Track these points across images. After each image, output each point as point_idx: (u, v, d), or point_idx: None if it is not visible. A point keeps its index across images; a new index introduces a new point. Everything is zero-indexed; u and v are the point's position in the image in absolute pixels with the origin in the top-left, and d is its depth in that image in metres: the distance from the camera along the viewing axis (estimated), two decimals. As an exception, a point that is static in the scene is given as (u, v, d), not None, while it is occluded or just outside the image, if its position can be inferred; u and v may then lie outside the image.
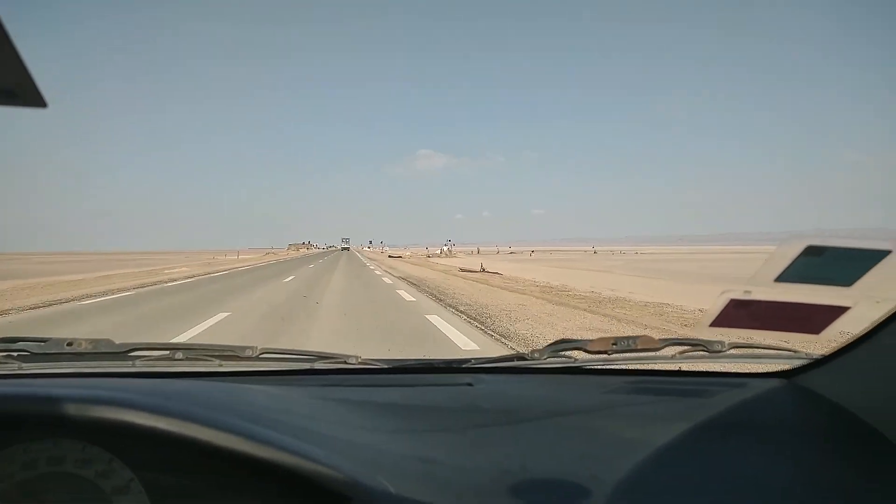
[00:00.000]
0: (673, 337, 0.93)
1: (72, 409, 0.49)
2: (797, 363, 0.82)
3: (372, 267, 21.61)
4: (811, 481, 0.61)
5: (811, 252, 0.59)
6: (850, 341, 0.72)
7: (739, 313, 0.68)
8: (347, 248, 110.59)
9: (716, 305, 0.68)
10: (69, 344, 0.86)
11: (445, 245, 61.37)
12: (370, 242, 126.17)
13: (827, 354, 0.77)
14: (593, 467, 0.61)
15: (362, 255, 50.88)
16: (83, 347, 0.86)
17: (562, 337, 3.08)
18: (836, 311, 0.66)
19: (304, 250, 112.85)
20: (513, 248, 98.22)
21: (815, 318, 0.68)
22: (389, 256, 38.38)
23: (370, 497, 0.50)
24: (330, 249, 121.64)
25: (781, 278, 0.62)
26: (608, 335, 0.92)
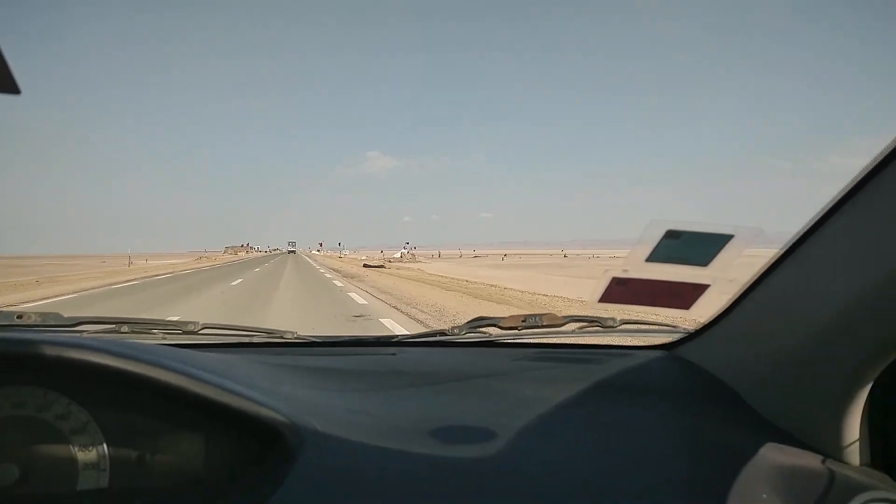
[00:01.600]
0: (574, 314, 1.05)
1: (46, 352, 0.54)
2: (676, 337, 0.95)
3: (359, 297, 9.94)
4: (675, 431, 0.73)
5: (671, 235, 0.70)
6: (713, 317, 0.84)
7: (620, 289, 0.79)
8: (294, 252, 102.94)
9: (601, 283, 0.79)
10: (19, 317, 0.91)
11: (405, 248, 54.80)
12: (320, 245, 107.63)
13: (697, 329, 0.89)
14: (500, 417, 0.70)
15: (314, 260, 42.30)
16: (32, 320, 0.91)
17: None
18: (700, 288, 0.78)
19: (242, 254, 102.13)
20: (477, 252, 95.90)
21: (683, 294, 0.79)
22: (365, 266, 24.61)
23: (301, 434, 0.58)
24: (273, 252, 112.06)
25: (650, 258, 0.73)
26: (520, 314, 1.02)
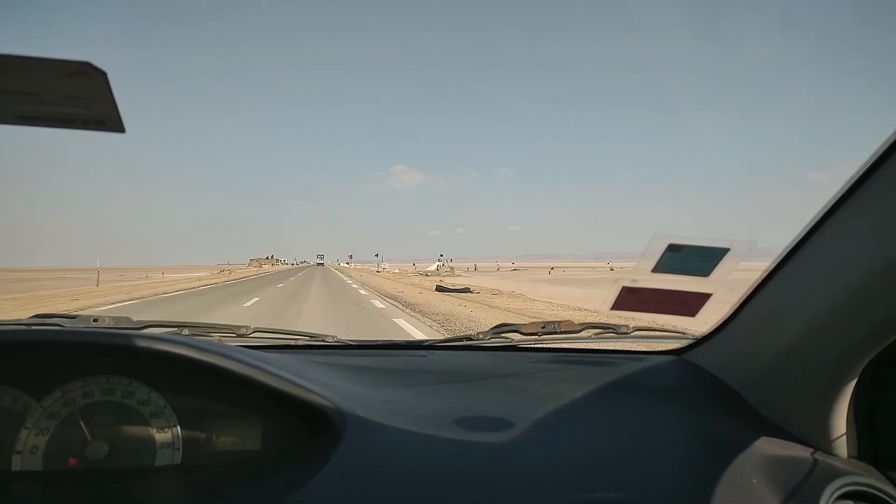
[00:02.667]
0: (590, 322, 1.13)
1: (139, 344, 0.65)
2: (685, 343, 1.02)
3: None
4: (677, 426, 0.80)
5: (673, 248, 0.78)
6: (718, 325, 0.91)
7: (630, 298, 0.86)
8: (322, 264, 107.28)
9: (612, 292, 0.87)
10: (95, 320, 1.03)
11: (440, 261, 46.21)
12: (350, 258, 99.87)
13: (704, 335, 0.96)
14: (519, 410, 0.79)
15: (346, 275, 31.88)
16: (106, 323, 1.03)
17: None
18: (704, 297, 0.86)
19: (267, 266, 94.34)
20: (516, 265, 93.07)
21: (689, 303, 0.87)
22: (439, 289, 15.43)
23: (346, 418, 0.68)
24: (301, 265, 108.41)
25: (655, 269, 0.81)
26: (540, 320, 1.11)
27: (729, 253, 0.77)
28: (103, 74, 0.46)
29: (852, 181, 0.64)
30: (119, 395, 0.71)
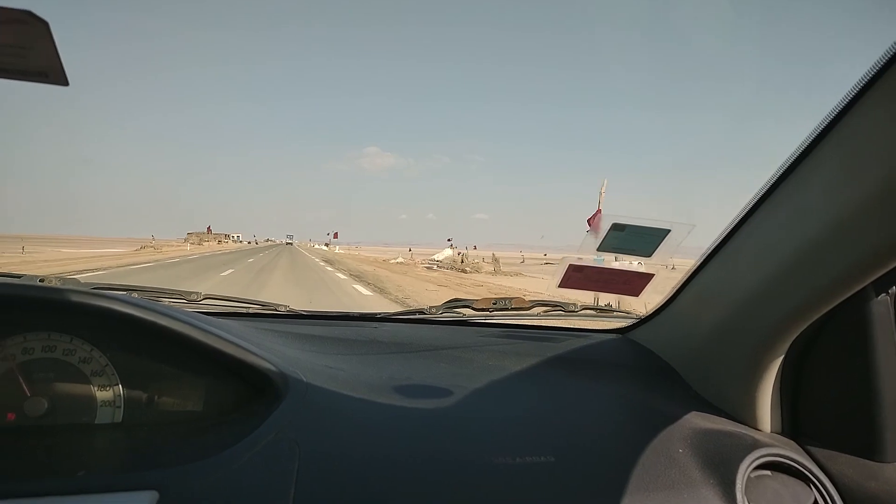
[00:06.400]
0: (539, 299, 1.16)
1: (75, 299, 0.64)
2: (629, 322, 1.06)
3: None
4: (613, 399, 0.83)
5: (617, 228, 0.80)
6: (660, 305, 0.95)
7: (577, 276, 0.89)
8: (291, 244, 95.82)
9: (559, 270, 0.89)
10: (41, 280, 1.02)
11: (449, 245, 33.58)
12: (335, 236, 64.42)
13: (647, 315, 1.00)
14: (458, 379, 0.81)
15: (333, 266, 19.86)
16: (53, 284, 1.02)
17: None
18: (646, 277, 0.89)
19: (211, 244, 66.45)
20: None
21: (632, 282, 0.90)
22: None
23: (288, 381, 0.69)
24: (267, 245, 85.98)
25: (600, 248, 0.83)
26: (492, 297, 1.13)
27: (670, 233, 0.80)
28: (45, 24, 0.45)
29: (777, 175, 0.67)
30: (60, 352, 0.71)
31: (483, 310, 1.12)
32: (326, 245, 65.49)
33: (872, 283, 0.66)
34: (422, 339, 1.01)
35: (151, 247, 40.87)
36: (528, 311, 1.13)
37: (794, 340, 0.73)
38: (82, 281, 1.05)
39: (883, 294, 0.71)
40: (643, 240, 0.81)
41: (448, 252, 30.42)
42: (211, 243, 72.02)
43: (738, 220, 0.74)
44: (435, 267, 23.62)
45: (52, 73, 0.47)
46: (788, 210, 0.67)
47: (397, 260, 28.43)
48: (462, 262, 24.63)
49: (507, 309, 1.12)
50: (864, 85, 0.55)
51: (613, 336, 1.05)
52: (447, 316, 1.14)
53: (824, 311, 0.67)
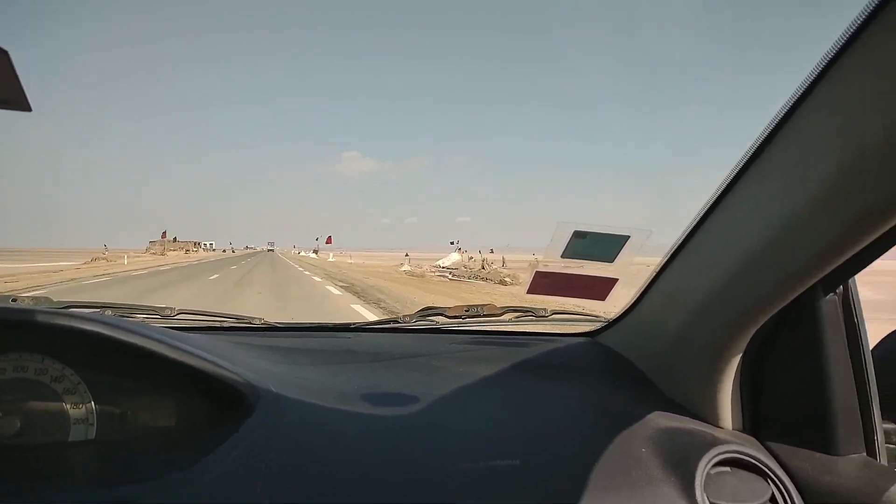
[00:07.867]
0: (511, 305, 1.18)
1: (43, 320, 0.65)
2: (598, 325, 1.08)
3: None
4: (580, 402, 0.85)
5: (578, 235, 0.83)
6: (626, 308, 0.97)
7: (544, 282, 0.92)
8: (272, 251, 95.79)
9: (528, 277, 0.92)
10: (13, 300, 1.03)
11: (457, 248, 27.57)
12: (328, 241, 46.54)
13: (615, 318, 1.03)
14: (427, 387, 0.82)
15: (333, 278, 15.25)
16: (26, 304, 1.03)
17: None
18: (610, 281, 0.91)
19: (175, 255, 54.97)
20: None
21: (597, 287, 0.92)
22: None
23: (258, 393, 0.70)
24: (247, 252, 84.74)
25: (564, 255, 0.86)
26: (464, 304, 1.16)
27: (630, 239, 0.82)
28: (4, 54, 0.47)
29: (733, 173, 0.69)
30: (32, 371, 0.72)
31: (456, 317, 1.14)
32: (315, 252, 55.87)
33: (821, 283, 0.68)
34: (395, 347, 1.03)
35: (104, 258, 34.43)
36: (499, 318, 1.15)
37: (753, 338, 0.75)
38: (54, 299, 1.06)
39: (831, 294, 0.74)
40: (604, 246, 0.84)
41: (455, 257, 25.98)
42: (177, 253, 64.16)
43: (697, 218, 0.76)
44: (449, 276, 19.12)
45: (14, 99, 0.48)
46: (742, 208, 0.69)
47: (403, 268, 23.17)
48: (483, 268, 20.26)
49: (479, 315, 1.14)
50: (812, 83, 0.55)
51: (582, 340, 1.07)
52: (421, 324, 1.17)
53: (777, 308, 0.70)
